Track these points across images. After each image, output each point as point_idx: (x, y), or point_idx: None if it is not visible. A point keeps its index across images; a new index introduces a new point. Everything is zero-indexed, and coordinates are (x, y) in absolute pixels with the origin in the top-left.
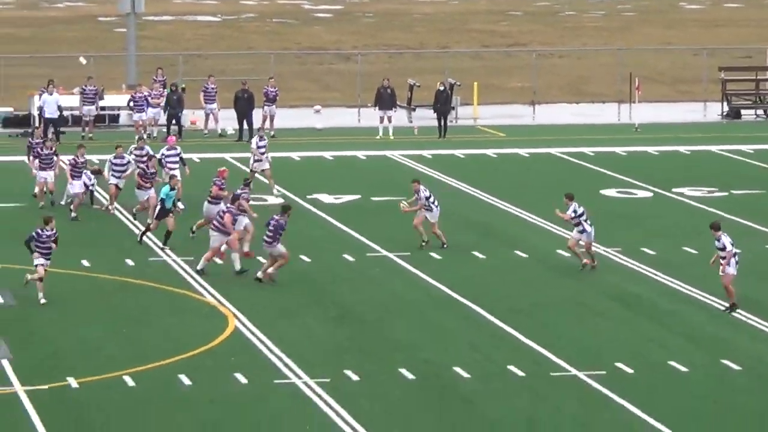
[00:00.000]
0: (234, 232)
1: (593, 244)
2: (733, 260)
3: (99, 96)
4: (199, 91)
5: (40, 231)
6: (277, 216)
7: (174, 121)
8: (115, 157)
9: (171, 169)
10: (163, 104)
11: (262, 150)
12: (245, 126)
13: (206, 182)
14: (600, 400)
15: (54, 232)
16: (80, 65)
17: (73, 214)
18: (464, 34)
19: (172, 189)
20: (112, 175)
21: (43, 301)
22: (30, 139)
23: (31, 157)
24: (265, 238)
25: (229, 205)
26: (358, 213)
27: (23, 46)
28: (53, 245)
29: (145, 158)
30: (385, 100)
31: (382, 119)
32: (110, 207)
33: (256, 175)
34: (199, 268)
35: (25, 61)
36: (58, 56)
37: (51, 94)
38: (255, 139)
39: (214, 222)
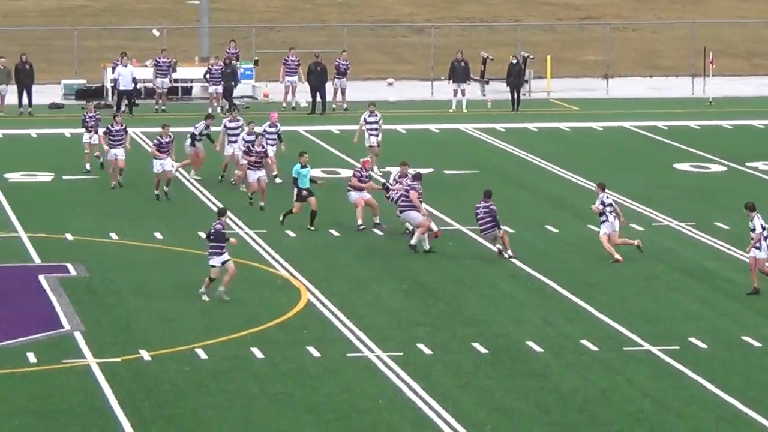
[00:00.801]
0: (422, 207)
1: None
2: (764, 243)
3: (172, 68)
4: (279, 63)
5: (219, 225)
6: (482, 203)
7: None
8: (230, 121)
9: (270, 145)
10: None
11: (373, 126)
12: (318, 99)
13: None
14: (673, 374)
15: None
16: (153, 37)
17: (156, 192)
18: (537, 7)
19: (303, 166)
20: (229, 141)
21: (226, 298)
22: (84, 113)
23: (101, 134)
24: (483, 226)
25: (411, 182)
26: (431, 186)
27: (96, 18)
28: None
29: (238, 131)
30: (458, 73)
31: (455, 92)
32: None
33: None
34: (413, 242)
35: (98, 33)
36: (131, 28)
37: (125, 66)
38: (365, 114)
39: (401, 203)
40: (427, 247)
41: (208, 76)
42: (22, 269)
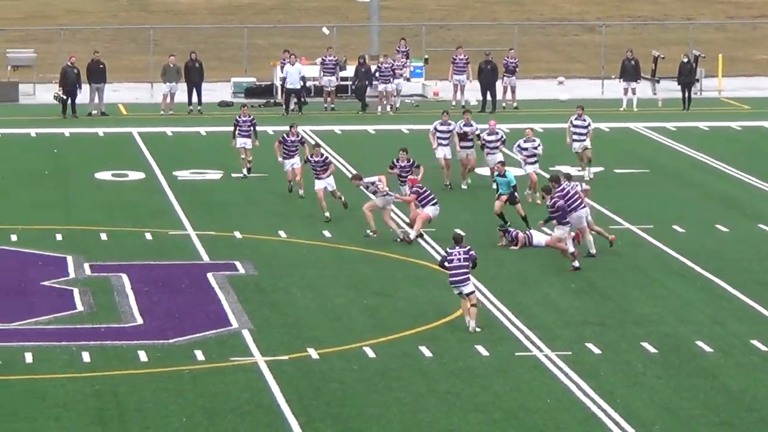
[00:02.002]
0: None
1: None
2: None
3: (340, 66)
4: (448, 61)
5: (450, 251)
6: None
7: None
8: (441, 124)
9: (491, 153)
10: (407, 75)
11: (579, 131)
12: (488, 97)
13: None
14: None
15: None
16: (322, 35)
17: (326, 213)
18: (709, 5)
19: (500, 175)
20: (439, 144)
21: (477, 329)
22: (237, 116)
23: (276, 143)
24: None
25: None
26: (601, 185)
27: (266, 16)
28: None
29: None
30: (629, 72)
31: (626, 91)
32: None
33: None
34: (573, 251)
35: (267, 31)
36: (300, 26)
37: (293, 65)
38: (572, 117)
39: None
40: (593, 250)
41: (377, 74)
42: (191, 267)
